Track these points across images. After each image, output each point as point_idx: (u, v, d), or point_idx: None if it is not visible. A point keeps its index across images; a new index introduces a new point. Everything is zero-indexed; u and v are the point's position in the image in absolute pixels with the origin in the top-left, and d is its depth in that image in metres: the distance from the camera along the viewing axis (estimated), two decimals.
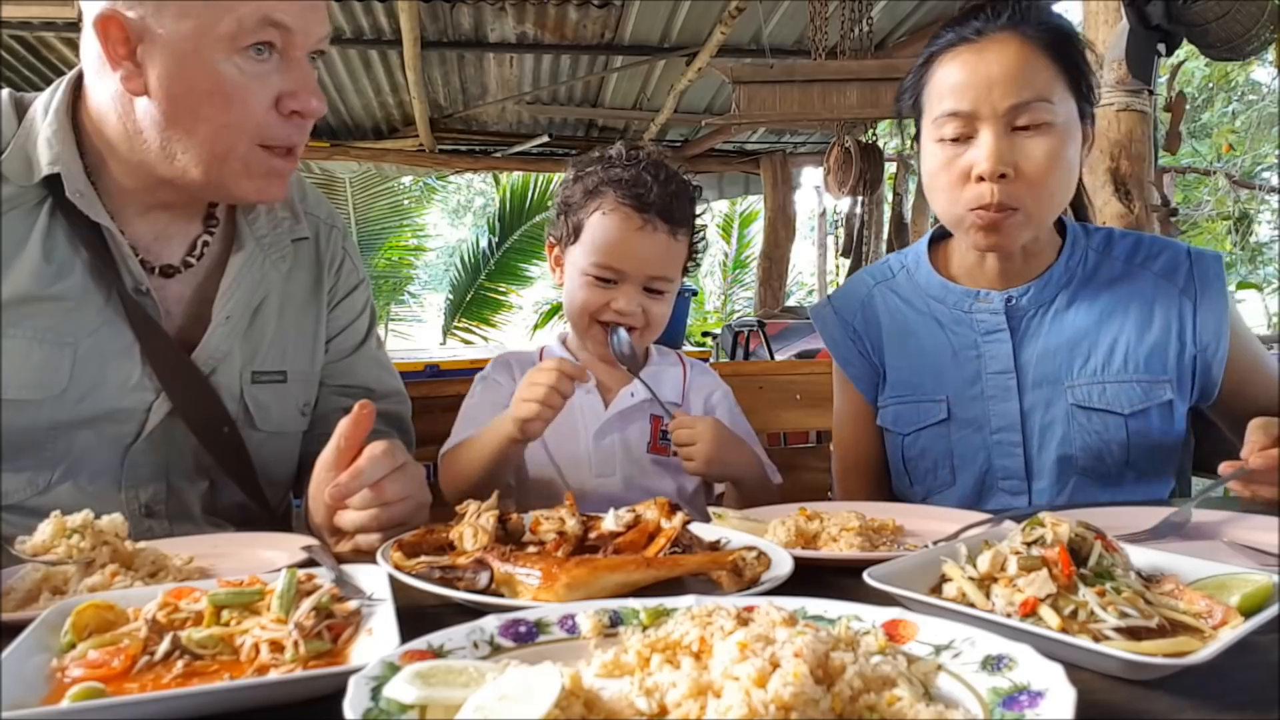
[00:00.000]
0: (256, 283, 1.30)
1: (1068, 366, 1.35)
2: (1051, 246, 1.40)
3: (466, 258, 12.25)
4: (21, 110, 1.19)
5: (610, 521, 0.96)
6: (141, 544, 0.95)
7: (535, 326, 13.17)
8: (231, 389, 1.27)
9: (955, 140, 1.27)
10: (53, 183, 1.15)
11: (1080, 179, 1.44)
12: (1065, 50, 1.25)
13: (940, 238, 1.51)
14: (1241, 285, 11.40)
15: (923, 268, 1.48)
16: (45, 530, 0.90)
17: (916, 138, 1.40)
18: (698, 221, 1.52)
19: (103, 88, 1.13)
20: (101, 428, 1.18)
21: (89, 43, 1.11)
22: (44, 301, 1.14)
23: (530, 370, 1.29)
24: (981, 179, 1.24)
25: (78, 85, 1.19)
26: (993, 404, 1.38)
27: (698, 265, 1.58)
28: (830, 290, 8.68)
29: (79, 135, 1.17)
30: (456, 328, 11.97)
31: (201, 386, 1.23)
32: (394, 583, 0.79)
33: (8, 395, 1.12)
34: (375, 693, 0.53)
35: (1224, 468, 1.09)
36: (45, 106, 1.17)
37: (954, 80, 1.26)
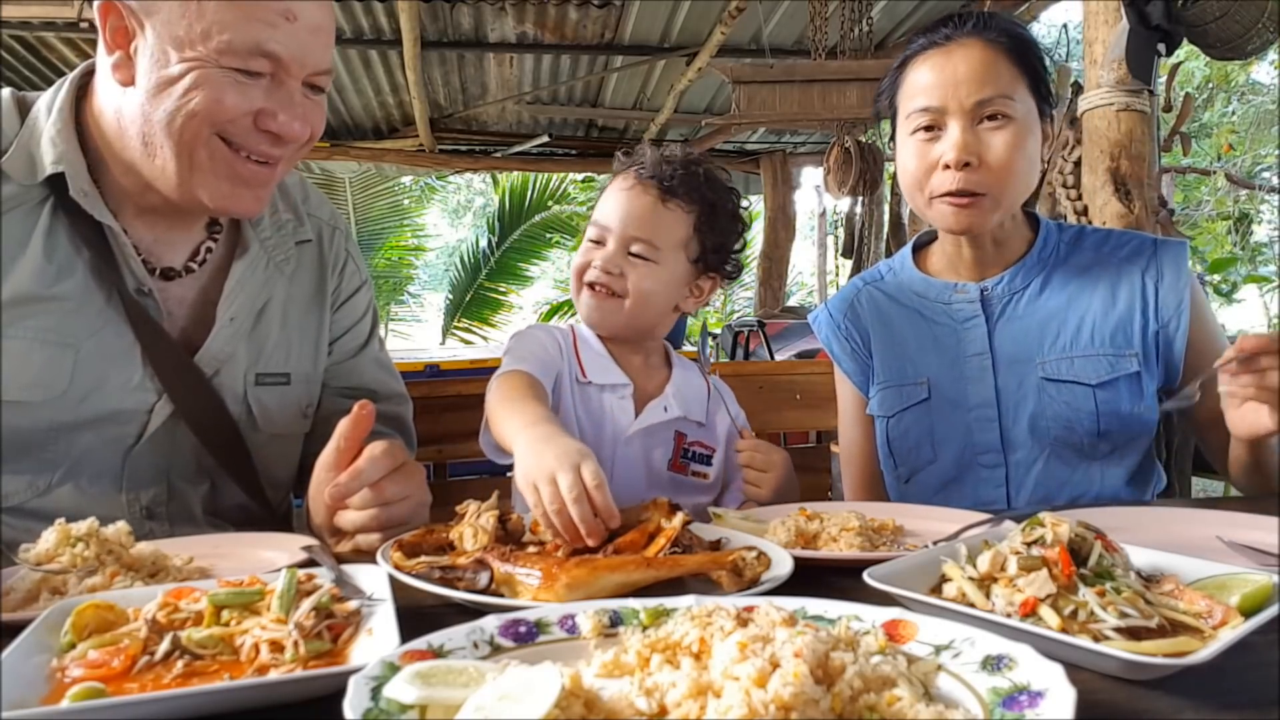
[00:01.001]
0: (260, 285, 1.30)
1: (1038, 345, 1.44)
2: (1023, 239, 1.49)
3: (466, 258, 12.26)
4: (24, 109, 1.19)
5: None
6: (142, 544, 0.95)
7: None
8: (235, 391, 1.27)
9: (927, 131, 1.37)
10: (55, 182, 1.15)
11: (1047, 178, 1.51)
12: (1024, 54, 1.36)
13: (925, 243, 1.61)
14: (1250, 279, 11.41)
15: (907, 268, 1.58)
16: (49, 538, 0.89)
17: (893, 138, 1.50)
18: (718, 215, 1.46)
19: (107, 84, 1.13)
20: (103, 429, 1.18)
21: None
22: (45, 301, 1.14)
23: (569, 479, 0.93)
24: (948, 167, 1.35)
25: (81, 84, 1.19)
26: (970, 384, 1.46)
27: (720, 264, 1.50)
28: (830, 291, 8.68)
29: (82, 134, 1.17)
30: (456, 328, 11.98)
31: (204, 388, 1.23)
32: (394, 583, 0.79)
33: (8, 396, 1.12)
34: (375, 693, 0.53)
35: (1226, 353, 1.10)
36: (49, 105, 1.17)
37: (925, 80, 1.37)
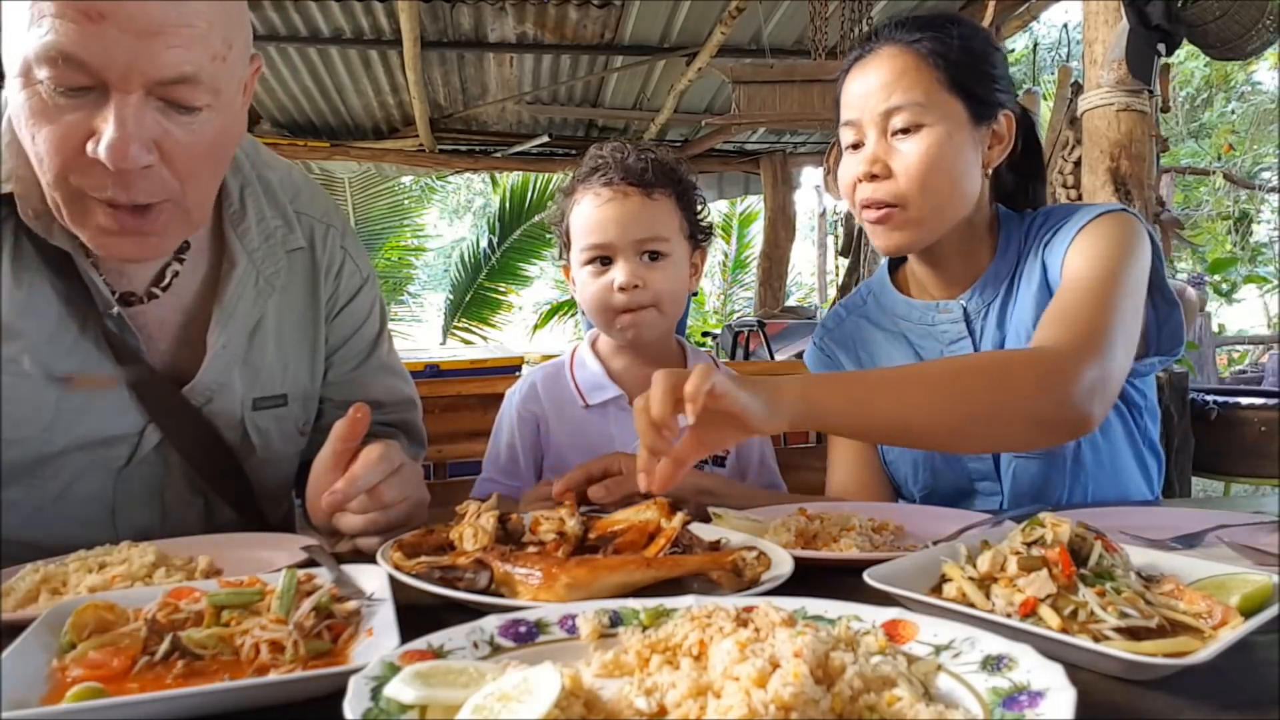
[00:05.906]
0: (251, 304, 1.20)
1: None
2: (989, 246, 1.40)
3: (466, 258, 12.26)
4: None
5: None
6: (144, 544, 0.95)
7: (535, 326, 13.18)
8: (231, 417, 1.20)
9: (853, 149, 1.33)
10: (14, 200, 1.05)
11: (1039, 179, 1.46)
12: (949, 55, 1.26)
13: (899, 263, 1.52)
14: (1250, 279, 11.42)
15: (886, 289, 1.50)
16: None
17: None
18: (690, 190, 1.46)
19: None
20: (93, 451, 1.13)
21: None
22: (18, 335, 1.07)
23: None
24: (861, 180, 1.30)
25: None
26: None
27: (705, 233, 1.50)
28: (830, 291, 8.60)
29: None
30: (456, 328, 11.98)
31: (194, 418, 1.17)
32: (394, 583, 0.79)
33: None
34: (375, 693, 0.53)
35: None
36: None
37: (846, 94, 1.34)
